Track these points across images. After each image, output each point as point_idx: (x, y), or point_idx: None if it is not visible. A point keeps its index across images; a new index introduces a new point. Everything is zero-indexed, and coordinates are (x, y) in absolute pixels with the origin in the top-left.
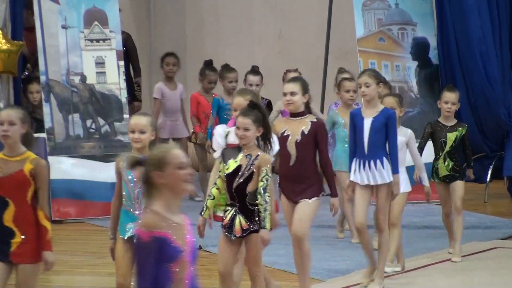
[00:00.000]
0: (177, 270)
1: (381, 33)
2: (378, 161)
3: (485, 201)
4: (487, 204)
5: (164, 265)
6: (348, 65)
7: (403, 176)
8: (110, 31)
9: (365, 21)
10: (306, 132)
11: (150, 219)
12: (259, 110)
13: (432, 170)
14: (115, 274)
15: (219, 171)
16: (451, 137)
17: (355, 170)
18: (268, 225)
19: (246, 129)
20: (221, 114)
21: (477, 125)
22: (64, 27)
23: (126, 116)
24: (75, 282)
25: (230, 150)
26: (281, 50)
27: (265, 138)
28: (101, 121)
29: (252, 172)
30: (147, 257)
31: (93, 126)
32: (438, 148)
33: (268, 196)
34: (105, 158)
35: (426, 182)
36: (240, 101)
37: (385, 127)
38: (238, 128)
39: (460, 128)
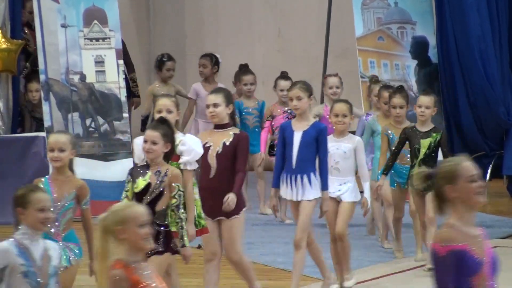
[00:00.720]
0: (477, 283)
1: (381, 32)
2: (305, 177)
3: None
4: (487, 203)
5: (464, 278)
6: (348, 64)
7: (351, 185)
8: (110, 30)
9: (364, 20)
10: (227, 144)
11: (446, 233)
12: (168, 126)
13: (407, 178)
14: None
15: (127, 191)
16: (425, 143)
17: (282, 185)
18: (187, 242)
19: (154, 143)
20: (241, 118)
21: (476, 124)
22: (63, 25)
23: (125, 115)
24: (75, 281)
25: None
26: (281, 49)
27: (168, 157)
28: (100, 120)
29: (163, 190)
30: (446, 272)
31: (93, 125)
32: (412, 155)
33: (183, 213)
34: (105, 157)
35: (366, 193)
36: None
37: (316, 142)
38: (145, 141)
39: (434, 134)
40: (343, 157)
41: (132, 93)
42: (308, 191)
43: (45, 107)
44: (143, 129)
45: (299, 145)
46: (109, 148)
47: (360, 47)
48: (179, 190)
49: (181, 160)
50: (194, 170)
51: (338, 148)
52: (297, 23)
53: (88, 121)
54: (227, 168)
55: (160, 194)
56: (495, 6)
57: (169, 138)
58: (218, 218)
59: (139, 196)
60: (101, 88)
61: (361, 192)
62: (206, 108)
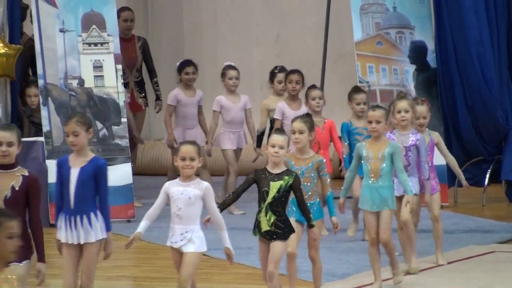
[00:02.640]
0: None
1: (379, 36)
2: (85, 218)
3: (483, 204)
4: (485, 208)
5: None
6: (346, 69)
7: (196, 234)
8: (108, 35)
9: (363, 25)
10: (17, 188)
11: None
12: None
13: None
14: (112, 277)
15: None
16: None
17: (61, 227)
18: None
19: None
20: (351, 139)
21: (475, 129)
22: (62, 30)
23: (124, 119)
24: None
25: None
26: (279, 53)
27: None
28: (99, 125)
29: None
30: None
31: None
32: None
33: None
34: None
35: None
36: None
37: (94, 179)
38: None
39: (286, 177)
40: (187, 203)
41: (156, 96)
42: (91, 232)
43: (43, 112)
44: (259, 145)
45: (76, 183)
46: (108, 153)
47: (358, 52)
48: None
49: None
50: None
51: (183, 193)
52: (296, 28)
53: None
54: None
55: None
56: (493, 10)
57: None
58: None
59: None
60: (99, 93)
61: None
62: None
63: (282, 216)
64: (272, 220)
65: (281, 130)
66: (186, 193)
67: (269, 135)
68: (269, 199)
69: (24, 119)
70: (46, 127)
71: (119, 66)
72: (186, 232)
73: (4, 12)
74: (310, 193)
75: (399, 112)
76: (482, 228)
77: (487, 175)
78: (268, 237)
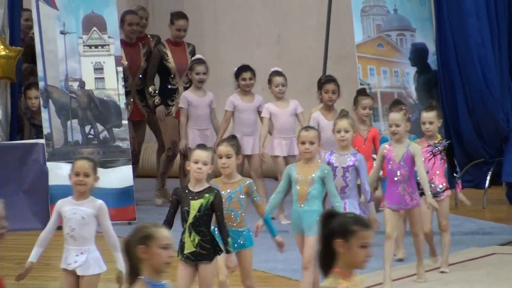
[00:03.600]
0: None
1: (380, 38)
2: None
3: (483, 207)
4: (486, 210)
5: None
6: (347, 71)
7: (92, 255)
8: (109, 37)
9: (363, 27)
10: None
11: None
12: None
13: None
14: (112, 280)
15: None
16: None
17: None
18: None
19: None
20: None
21: (475, 131)
22: (62, 32)
23: (124, 122)
24: None
25: None
26: (280, 55)
27: None
28: (99, 127)
29: None
30: None
31: (92, 132)
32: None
33: None
34: (104, 164)
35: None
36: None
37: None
38: None
39: (207, 195)
40: (81, 223)
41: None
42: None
43: (44, 114)
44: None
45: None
46: (108, 155)
47: (359, 54)
48: None
49: None
50: None
51: (76, 212)
52: (297, 30)
53: (87, 128)
54: None
55: None
56: (494, 12)
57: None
58: None
59: None
60: (100, 95)
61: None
62: None
63: (207, 236)
64: (196, 240)
65: (203, 146)
66: (79, 213)
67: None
68: (190, 219)
69: (24, 121)
70: (46, 129)
71: (120, 68)
72: (81, 253)
73: (4, 14)
74: (238, 219)
75: (339, 131)
76: (483, 230)
77: (488, 177)
78: (192, 258)
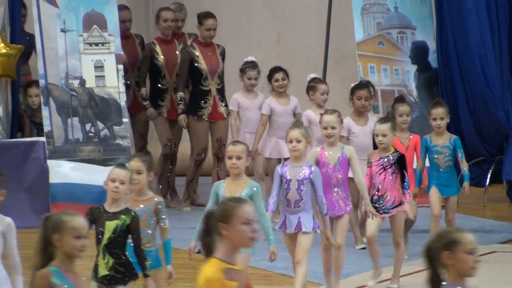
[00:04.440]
0: None
1: (381, 37)
2: None
3: (484, 205)
4: (486, 208)
5: None
6: (347, 69)
7: (4, 274)
8: (109, 35)
9: (364, 25)
10: None
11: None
12: None
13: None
14: None
15: None
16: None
17: None
18: None
19: None
20: (430, 156)
21: (476, 129)
22: (63, 30)
23: (125, 120)
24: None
25: None
26: (281, 54)
27: None
28: (100, 125)
29: None
30: None
31: (92, 130)
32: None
33: None
34: (104, 162)
35: None
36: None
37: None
38: None
39: (123, 216)
40: None
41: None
42: None
43: (44, 112)
44: None
45: None
46: (109, 153)
47: (360, 52)
48: None
49: None
50: None
51: None
52: (297, 28)
53: (87, 126)
54: None
55: None
56: (494, 11)
57: None
58: None
59: None
60: (100, 93)
61: None
62: None
63: (121, 259)
64: (110, 263)
65: (122, 165)
66: None
67: None
68: (104, 241)
69: (25, 119)
70: (47, 127)
71: (120, 66)
72: None
73: (5, 12)
74: (146, 238)
75: (291, 141)
76: (483, 229)
77: (488, 176)
78: (106, 282)
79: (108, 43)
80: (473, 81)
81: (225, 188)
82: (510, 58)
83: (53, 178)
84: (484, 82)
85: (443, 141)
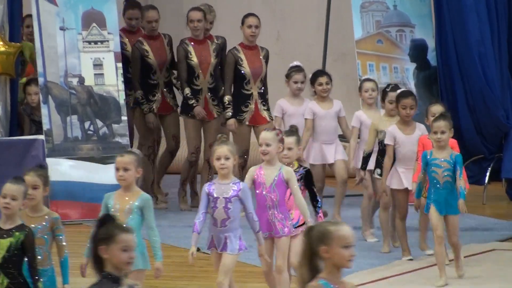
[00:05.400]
0: None
1: (380, 35)
2: None
3: (483, 203)
4: (486, 206)
5: None
6: (347, 67)
7: None
8: (108, 33)
9: (363, 23)
10: None
11: None
12: None
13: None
14: None
15: None
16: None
17: None
18: None
19: None
20: (429, 170)
21: (475, 127)
22: (62, 28)
23: (124, 118)
24: (74, 284)
25: None
26: (280, 52)
27: None
28: (99, 123)
29: None
30: None
31: (91, 128)
32: None
33: None
34: (104, 160)
35: None
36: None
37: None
38: None
39: (17, 233)
40: None
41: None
42: None
43: (44, 110)
44: (364, 167)
45: None
46: (108, 151)
47: (359, 50)
48: None
49: None
50: None
51: None
52: (296, 26)
53: (87, 124)
54: None
55: None
56: (494, 9)
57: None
58: None
59: None
60: (99, 91)
61: None
62: None
63: (17, 279)
64: (5, 284)
65: (17, 179)
66: None
67: (377, 159)
68: None
69: (24, 117)
70: (46, 125)
71: (119, 64)
72: None
73: (4, 10)
74: (42, 257)
75: (219, 159)
76: (483, 226)
77: (488, 173)
78: None
79: (107, 41)
80: (473, 79)
81: (115, 200)
82: (509, 56)
83: (53, 176)
84: (483, 80)
85: (444, 155)
